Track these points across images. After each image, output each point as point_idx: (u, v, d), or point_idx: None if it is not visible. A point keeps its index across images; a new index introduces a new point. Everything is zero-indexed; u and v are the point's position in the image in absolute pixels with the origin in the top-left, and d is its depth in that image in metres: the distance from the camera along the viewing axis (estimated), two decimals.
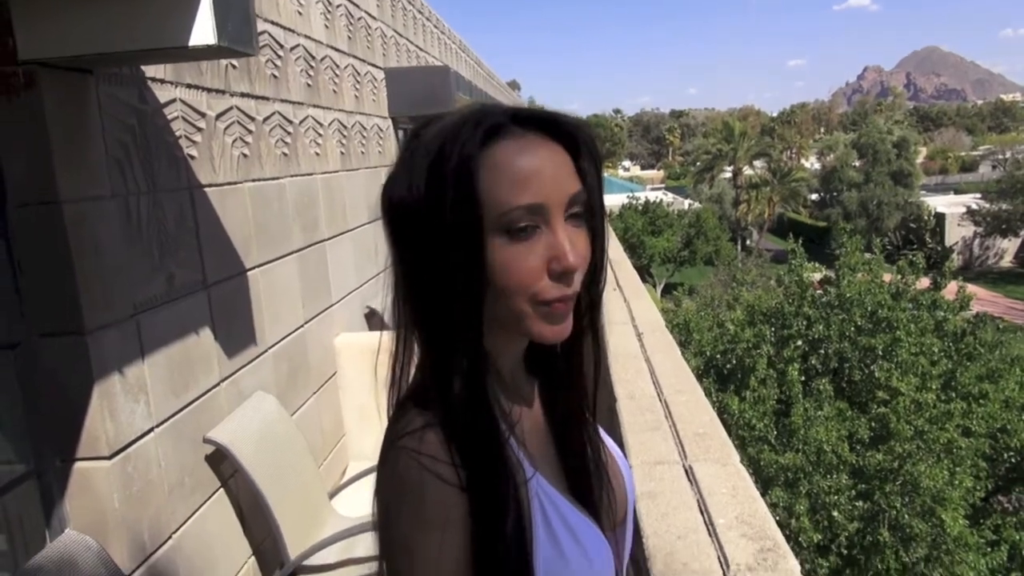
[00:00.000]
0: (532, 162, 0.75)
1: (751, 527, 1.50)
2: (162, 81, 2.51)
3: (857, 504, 9.44)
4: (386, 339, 0.85)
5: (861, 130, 50.26)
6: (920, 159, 55.28)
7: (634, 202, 36.63)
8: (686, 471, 1.79)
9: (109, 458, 2.09)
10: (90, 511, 2.09)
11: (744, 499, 1.61)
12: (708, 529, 1.52)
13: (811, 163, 59.58)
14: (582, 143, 0.80)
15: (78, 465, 2.08)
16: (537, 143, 0.76)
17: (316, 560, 2.79)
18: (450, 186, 0.72)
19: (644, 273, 33.20)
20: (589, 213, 0.80)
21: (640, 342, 2.98)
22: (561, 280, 0.75)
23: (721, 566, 1.39)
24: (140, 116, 2.37)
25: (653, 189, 55.78)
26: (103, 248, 2.14)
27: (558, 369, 0.89)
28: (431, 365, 0.79)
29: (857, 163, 46.26)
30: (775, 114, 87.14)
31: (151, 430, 2.32)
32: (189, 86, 2.69)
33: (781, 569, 1.35)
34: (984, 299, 24.57)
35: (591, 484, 0.87)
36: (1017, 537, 9.61)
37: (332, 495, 3.41)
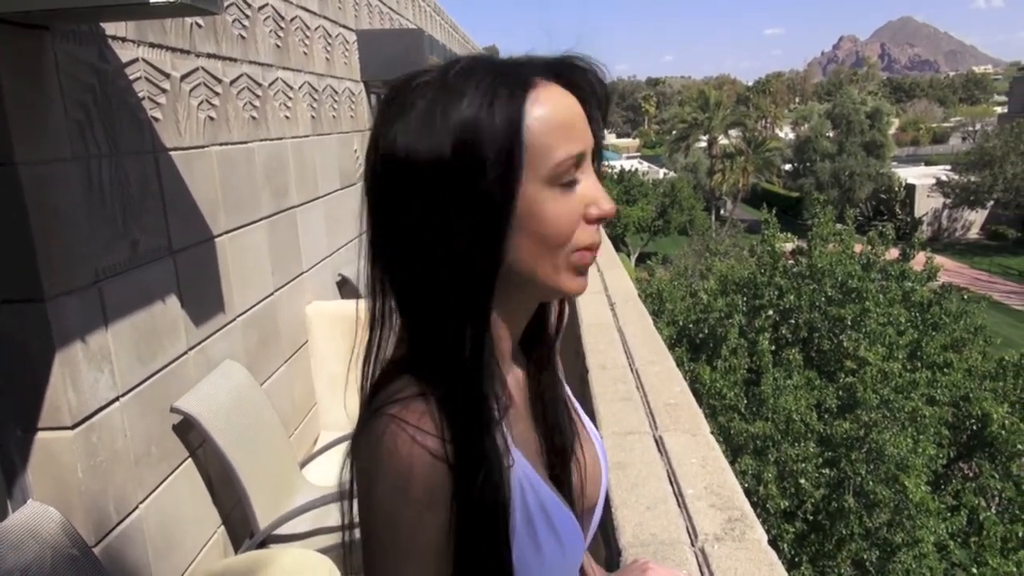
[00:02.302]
0: (571, 111, 0.74)
1: (719, 497, 1.51)
2: (123, 40, 2.42)
3: (823, 471, 9.66)
4: (363, 308, 0.80)
5: (835, 100, 50.47)
6: (892, 130, 55.72)
7: (609, 171, 36.60)
8: (656, 442, 1.80)
9: (72, 428, 2.05)
10: (53, 482, 2.05)
11: (713, 470, 1.62)
12: (677, 499, 1.53)
13: (785, 133, 59.84)
14: (593, 89, 0.78)
15: (40, 435, 2.04)
16: (563, 91, 0.75)
17: (287, 529, 2.78)
18: (491, 142, 0.69)
19: (618, 242, 33.28)
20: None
21: (613, 312, 2.98)
22: (595, 224, 0.75)
23: (689, 536, 1.40)
24: (101, 76, 2.29)
25: (629, 158, 55.77)
26: (63, 213, 2.07)
27: (542, 344, 0.87)
28: (431, 335, 0.73)
29: (831, 133, 46.54)
30: (751, 83, 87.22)
31: (116, 399, 2.28)
32: (152, 45, 2.60)
33: (748, 539, 1.36)
34: (951, 270, 25.02)
35: (570, 468, 0.85)
36: (976, 502, 9.90)
37: (303, 464, 3.40)
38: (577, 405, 0.94)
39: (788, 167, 49.64)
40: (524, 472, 0.76)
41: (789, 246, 13.23)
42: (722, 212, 44.79)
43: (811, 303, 11.35)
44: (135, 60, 2.49)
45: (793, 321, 11.49)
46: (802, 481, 9.47)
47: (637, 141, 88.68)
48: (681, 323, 12.52)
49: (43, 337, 2.00)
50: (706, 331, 11.79)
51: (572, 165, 0.73)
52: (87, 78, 2.22)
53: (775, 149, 46.41)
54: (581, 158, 0.74)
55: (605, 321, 2.84)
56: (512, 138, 0.69)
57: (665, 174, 43.42)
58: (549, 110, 0.72)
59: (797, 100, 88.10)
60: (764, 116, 59.49)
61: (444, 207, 0.69)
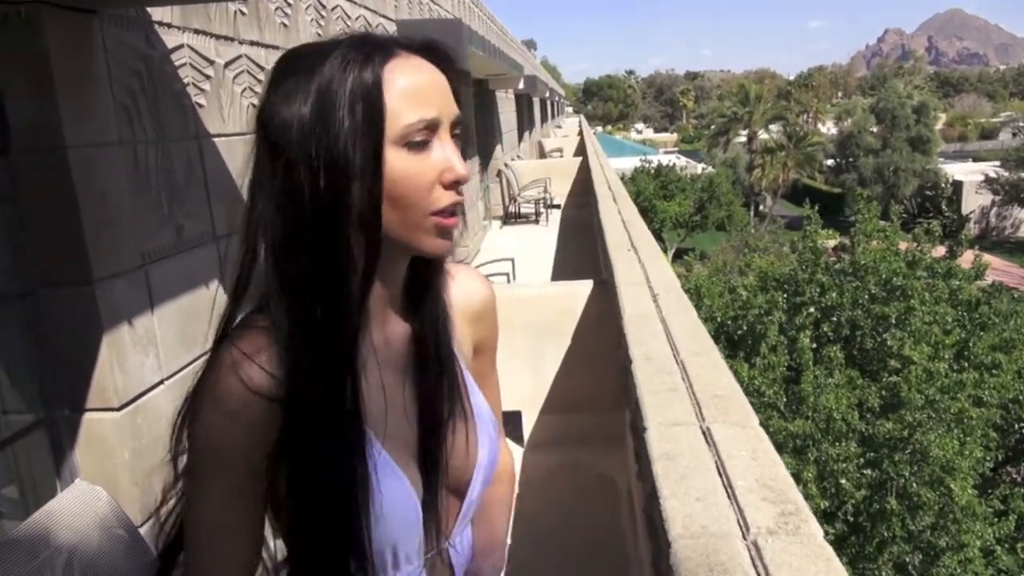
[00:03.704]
0: (427, 80, 0.80)
1: (772, 490, 1.46)
2: (169, 26, 2.44)
3: (865, 472, 9.45)
4: None
5: (880, 94, 49.38)
6: (939, 125, 54.35)
7: (646, 165, 36.28)
8: (704, 433, 1.75)
9: (118, 409, 2.07)
10: (100, 462, 2.08)
11: (764, 462, 1.57)
12: (727, 492, 1.48)
13: (827, 128, 58.73)
14: (455, 70, 0.85)
15: (87, 416, 2.07)
16: (426, 64, 0.82)
17: None
18: (346, 105, 0.76)
19: (655, 237, 32.93)
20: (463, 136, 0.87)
21: (656, 303, 2.93)
22: (452, 189, 0.81)
23: (741, 529, 1.35)
24: (147, 61, 2.31)
25: (666, 152, 55.19)
26: (110, 196, 2.10)
27: (427, 309, 0.90)
28: (285, 278, 0.79)
29: (875, 128, 45.54)
30: (792, 77, 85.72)
31: (161, 382, 2.30)
32: (197, 32, 2.62)
33: (803, 533, 1.32)
34: (1000, 269, 24.33)
35: (438, 439, 0.88)
36: None
37: None
38: (469, 381, 0.95)
39: (830, 163, 48.74)
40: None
41: (831, 243, 12.95)
42: (761, 208, 44.17)
43: (854, 300, 11.09)
44: (180, 46, 2.50)
45: (835, 319, 11.24)
46: (843, 481, 9.28)
47: (675, 136, 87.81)
48: (719, 319, 12.34)
49: (91, 319, 2.03)
50: (745, 328, 11.60)
51: (423, 129, 0.78)
52: (134, 63, 2.24)
53: (817, 144, 45.51)
54: (435, 124, 0.80)
55: (648, 312, 2.79)
56: (361, 99, 0.76)
57: (703, 169, 42.89)
58: (402, 76, 0.78)
59: (840, 94, 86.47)
60: (806, 110, 58.43)
61: (310, 165, 0.76)
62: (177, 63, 2.48)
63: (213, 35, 2.74)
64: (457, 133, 0.83)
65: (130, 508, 2.05)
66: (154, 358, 2.26)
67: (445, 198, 0.80)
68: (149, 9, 2.31)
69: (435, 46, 0.84)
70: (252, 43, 3.07)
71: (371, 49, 0.79)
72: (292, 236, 0.78)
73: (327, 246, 0.78)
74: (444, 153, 0.80)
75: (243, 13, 2.99)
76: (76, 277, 2.00)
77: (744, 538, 1.33)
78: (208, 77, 2.68)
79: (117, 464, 2.08)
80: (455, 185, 0.81)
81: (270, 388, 0.78)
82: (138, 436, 2.14)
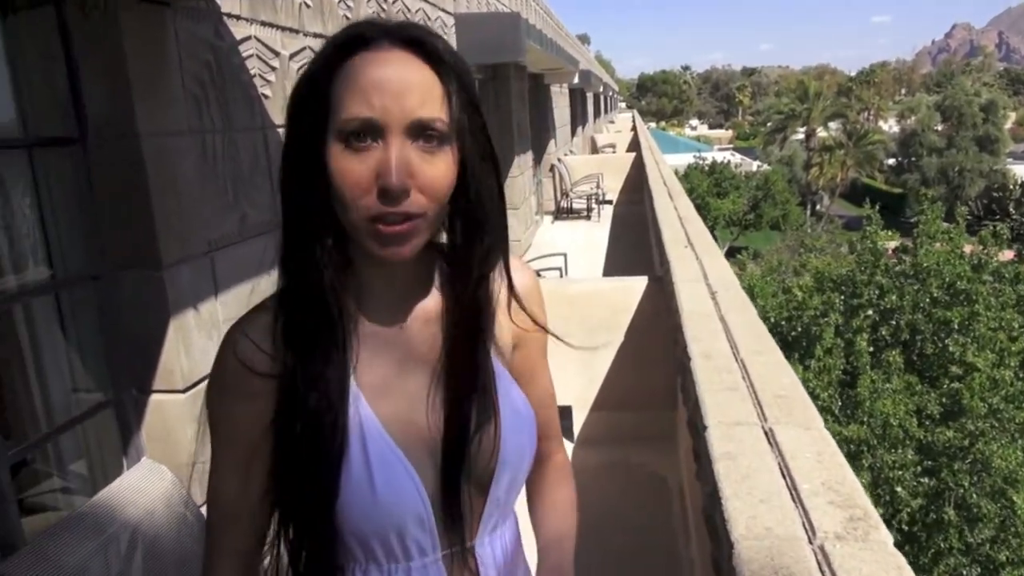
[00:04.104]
0: (379, 76, 0.75)
1: (839, 494, 1.42)
2: (238, 17, 2.49)
3: (922, 480, 9.18)
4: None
5: (946, 92, 47.76)
6: (1009, 124, 52.27)
7: (700, 162, 35.77)
8: (766, 433, 1.71)
9: (184, 391, 2.12)
10: (165, 442, 2.13)
11: (831, 465, 1.53)
12: (791, 494, 1.45)
13: (889, 126, 57.04)
14: (448, 69, 0.79)
15: (154, 397, 2.12)
16: (398, 59, 0.76)
17: None
18: (299, 89, 0.79)
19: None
20: (459, 140, 0.79)
21: (714, 300, 2.88)
22: (386, 199, 0.75)
23: (807, 532, 1.32)
24: (216, 52, 2.35)
25: (721, 149, 54.30)
26: (180, 185, 2.15)
27: (460, 300, 0.88)
28: (280, 256, 0.84)
29: (940, 127, 44.06)
30: (853, 74, 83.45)
31: None
32: (264, 23, 2.66)
33: (872, 540, 1.28)
34: None
35: (461, 430, 0.86)
36: None
37: None
38: (503, 375, 0.92)
39: (891, 162, 47.32)
40: (359, 408, 0.82)
41: (892, 244, 12.56)
42: (818, 207, 43.14)
43: (914, 304, 10.76)
44: (248, 38, 2.55)
45: (894, 322, 10.92)
46: (898, 489, 9.03)
47: (730, 132, 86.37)
48: (772, 320, 12.09)
49: (159, 303, 2.08)
50: (799, 329, 11.35)
51: (359, 127, 0.74)
52: (204, 54, 2.29)
53: (878, 142, 44.16)
54: (372, 124, 0.74)
55: (706, 310, 2.75)
56: (309, 86, 0.77)
57: (759, 167, 42.10)
58: (356, 69, 0.75)
59: (903, 91, 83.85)
60: (867, 108, 56.81)
61: (285, 143, 0.81)
62: (244, 54, 2.53)
63: (279, 27, 2.78)
64: (430, 135, 0.76)
65: (193, 488, 2.11)
66: (217, 342, 2.30)
67: (375, 208, 0.75)
68: (219, 1, 2.36)
69: (425, 43, 0.78)
70: (316, 35, 3.11)
71: (349, 37, 0.78)
72: (283, 217, 0.83)
73: (291, 221, 0.81)
74: (384, 158, 0.74)
75: (308, 6, 3.03)
76: (146, 262, 2.06)
77: (810, 542, 1.29)
78: (274, 68, 2.72)
79: (181, 444, 2.14)
80: (387, 195, 0.74)
81: (264, 363, 0.81)
82: (201, 418, 2.19)
